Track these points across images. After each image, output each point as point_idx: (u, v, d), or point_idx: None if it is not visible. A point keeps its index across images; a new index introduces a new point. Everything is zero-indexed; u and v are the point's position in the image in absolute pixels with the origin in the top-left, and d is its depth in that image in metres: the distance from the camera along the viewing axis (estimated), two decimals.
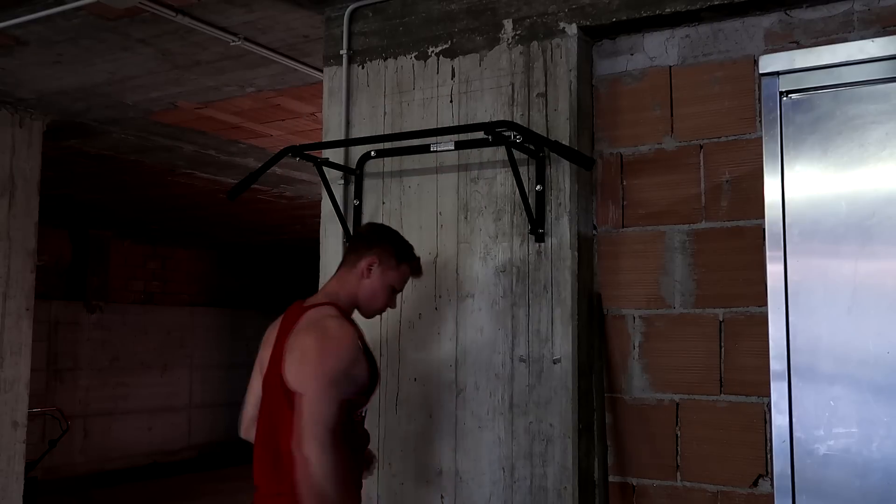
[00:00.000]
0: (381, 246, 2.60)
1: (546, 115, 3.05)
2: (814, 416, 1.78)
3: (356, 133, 3.44)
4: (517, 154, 2.90)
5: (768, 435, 2.67)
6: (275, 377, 2.46)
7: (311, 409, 2.31)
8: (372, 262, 2.57)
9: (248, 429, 2.62)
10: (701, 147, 2.91)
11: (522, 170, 2.97)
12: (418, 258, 2.72)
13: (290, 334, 2.47)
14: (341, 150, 3.42)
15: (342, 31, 3.52)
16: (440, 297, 3.18)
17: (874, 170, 1.78)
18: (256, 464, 2.48)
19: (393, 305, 2.68)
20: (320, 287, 2.76)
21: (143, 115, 5.55)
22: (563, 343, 2.92)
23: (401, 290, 2.69)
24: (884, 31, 2.64)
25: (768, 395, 1.92)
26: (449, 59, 3.29)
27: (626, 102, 3.06)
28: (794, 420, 1.79)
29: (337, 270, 2.66)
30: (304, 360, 2.38)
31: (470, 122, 3.16)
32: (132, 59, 4.44)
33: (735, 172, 2.84)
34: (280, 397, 2.41)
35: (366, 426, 2.62)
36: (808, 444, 1.78)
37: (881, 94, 1.79)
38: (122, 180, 7.68)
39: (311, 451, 2.27)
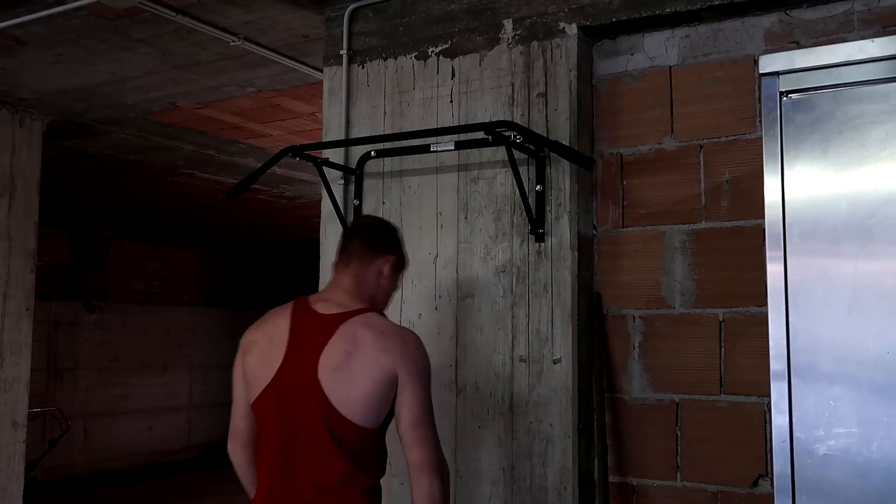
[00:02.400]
0: (396, 248, 2.49)
1: (546, 115, 3.05)
2: (814, 416, 1.78)
3: (356, 133, 3.44)
4: (517, 154, 2.90)
5: (768, 435, 2.67)
6: (309, 392, 2.22)
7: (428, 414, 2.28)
8: (389, 263, 2.45)
9: (243, 444, 2.38)
10: (701, 147, 2.91)
11: (522, 170, 2.97)
12: None
13: (333, 342, 2.24)
14: (341, 150, 3.42)
15: (342, 31, 3.52)
16: (440, 297, 3.18)
17: (874, 170, 1.78)
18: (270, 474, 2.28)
19: None
20: (329, 283, 2.49)
21: (143, 115, 5.55)
22: (563, 343, 2.92)
23: None
24: (884, 31, 2.64)
25: (768, 395, 1.92)
26: (449, 59, 3.29)
27: (627, 102, 3.06)
28: (794, 420, 1.79)
29: (346, 266, 2.41)
30: (409, 364, 2.26)
31: (470, 122, 3.16)
32: (132, 59, 4.44)
33: (735, 172, 2.84)
34: (315, 412, 2.21)
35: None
36: (808, 444, 1.78)
37: (881, 94, 1.79)
38: (122, 180, 7.68)
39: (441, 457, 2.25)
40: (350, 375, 2.21)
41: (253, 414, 2.33)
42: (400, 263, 2.51)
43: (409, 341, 2.30)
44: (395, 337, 2.28)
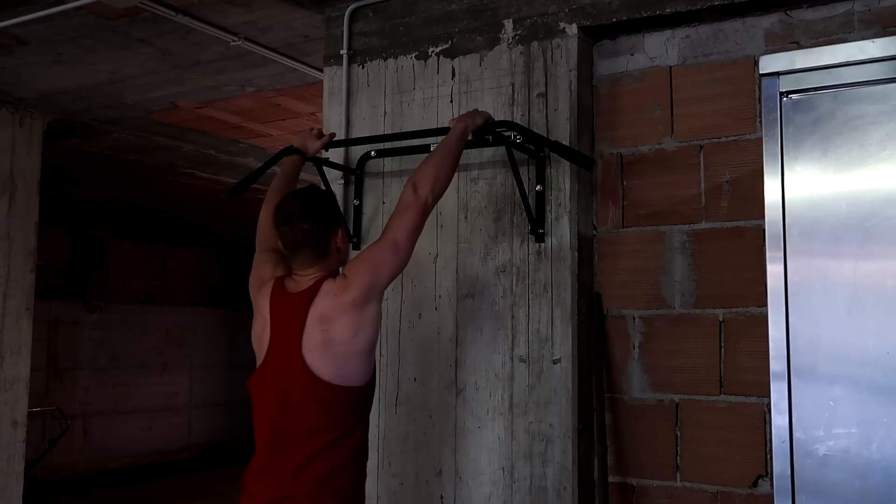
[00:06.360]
0: (333, 218, 2.55)
1: (546, 115, 3.05)
2: (813, 416, 1.78)
3: (356, 133, 3.44)
4: (517, 154, 2.90)
5: (768, 435, 2.67)
6: (297, 372, 2.38)
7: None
8: (339, 237, 2.55)
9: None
10: (701, 147, 2.91)
11: (522, 170, 2.97)
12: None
13: (310, 322, 2.41)
14: (341, 149, 3.42)
15: (342, 31, 3.52)
16: (440, 297, 3.18)
17: (874, 170, 1.78)
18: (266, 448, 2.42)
19: None
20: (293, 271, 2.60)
21: (143, 114, 5.55)
22: (563, 343, 2.92)
23: None
24: (884, 32, 2.64)
25: (768, 396, 1.92)
26: (449, 59, 3.29)
27: (627, 102, 3.06)
28: (793, 420, 1.79)
29: (303, 258, 2.50)
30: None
31: None
32: (132, 58, 4.44)
33: (735, 173, 2.84)
34: (301, 372, 2.37)
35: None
36: (807, 445, 1.78)
37: (881, 94, 1.80)
38: (122, 180, 7.68)
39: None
40: (334, 343, 2.38)
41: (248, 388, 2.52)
42: (346, 229, 2.69)
43: (348, 264, 2.51)
44: (341, 278, 2.45)
